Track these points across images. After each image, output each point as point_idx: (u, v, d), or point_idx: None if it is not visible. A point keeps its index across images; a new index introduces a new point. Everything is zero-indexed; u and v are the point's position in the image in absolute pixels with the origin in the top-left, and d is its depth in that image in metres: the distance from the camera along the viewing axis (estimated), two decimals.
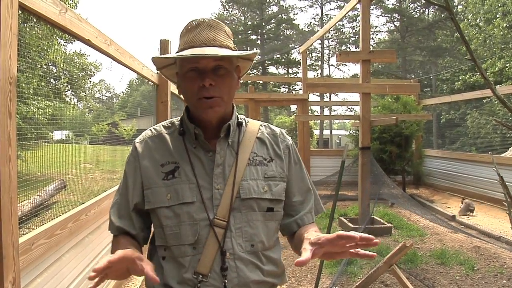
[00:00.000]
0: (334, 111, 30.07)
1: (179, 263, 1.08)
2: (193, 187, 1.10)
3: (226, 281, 1.06)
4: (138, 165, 1.16)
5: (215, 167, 1.12)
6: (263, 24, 31.50)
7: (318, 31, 14.39)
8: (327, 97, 27.40)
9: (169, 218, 1.09)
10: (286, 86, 31.05)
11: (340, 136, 34.82)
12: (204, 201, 1.09)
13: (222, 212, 1.09)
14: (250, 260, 1.10)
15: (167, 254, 1.11)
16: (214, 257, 1.07)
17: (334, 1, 31.87)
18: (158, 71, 1.26)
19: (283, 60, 31.91)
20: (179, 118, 1.24)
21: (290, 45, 31.89)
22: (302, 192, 1.26)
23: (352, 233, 0.88)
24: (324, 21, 30.93)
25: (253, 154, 1.18)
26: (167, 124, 1.24)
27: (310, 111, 14.04)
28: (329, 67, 33.62)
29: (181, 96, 1.20)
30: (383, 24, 30.33)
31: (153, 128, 1.24)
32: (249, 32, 31.84)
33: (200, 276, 1.06)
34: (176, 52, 1.12)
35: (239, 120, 1.22)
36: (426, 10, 27.60)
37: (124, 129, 6.81)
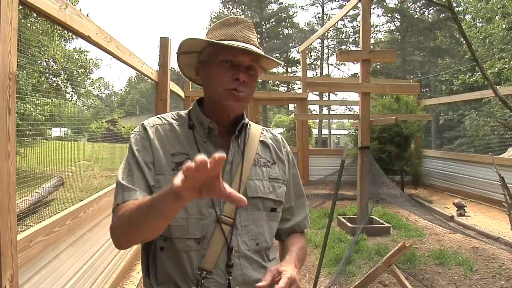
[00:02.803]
0: (333, 110, 30.07)
1: (181, 257, 1.06)
2: None
3: (230, 278, 1.05)
4: (149, 144, 1.10)
5: (226, 164, 1.11)
6: (263, 22, 31.46)
7: (318, 30, 14.38)
8: (326, 96, 27.40)
9: None
10: (285, 85, 31.06)
11: (338, 136, 34.83)
12: None
13: (229, 209, 1.08)
14: (254, 259, 1.10)
15: (167, 245, 1.08)
16: (220, 253, 1.05)
17: (335, 0, 31.88)
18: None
19: (282, 58, 31.89)
20: (185, 111, 1.22)
21: (290, 44, 31.87)
22: (298, 196, 1.31)
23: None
24: (324, 20, 30.92)
25: (257, 156, 1.20)
26: (173, 116, 1.21)
27: (309, 111, 14.03)
28: (328, 66, 33.67)
29: (198, 84, 1.20)
30: (383, 24, 30.32)
31: (161, 116, 1.19)
32: None
33: (204, 272, 1.04)
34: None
35: (246, 121, 1.22)
36: (427, 10, 27.62)
37: (123, 127, 6.80)
